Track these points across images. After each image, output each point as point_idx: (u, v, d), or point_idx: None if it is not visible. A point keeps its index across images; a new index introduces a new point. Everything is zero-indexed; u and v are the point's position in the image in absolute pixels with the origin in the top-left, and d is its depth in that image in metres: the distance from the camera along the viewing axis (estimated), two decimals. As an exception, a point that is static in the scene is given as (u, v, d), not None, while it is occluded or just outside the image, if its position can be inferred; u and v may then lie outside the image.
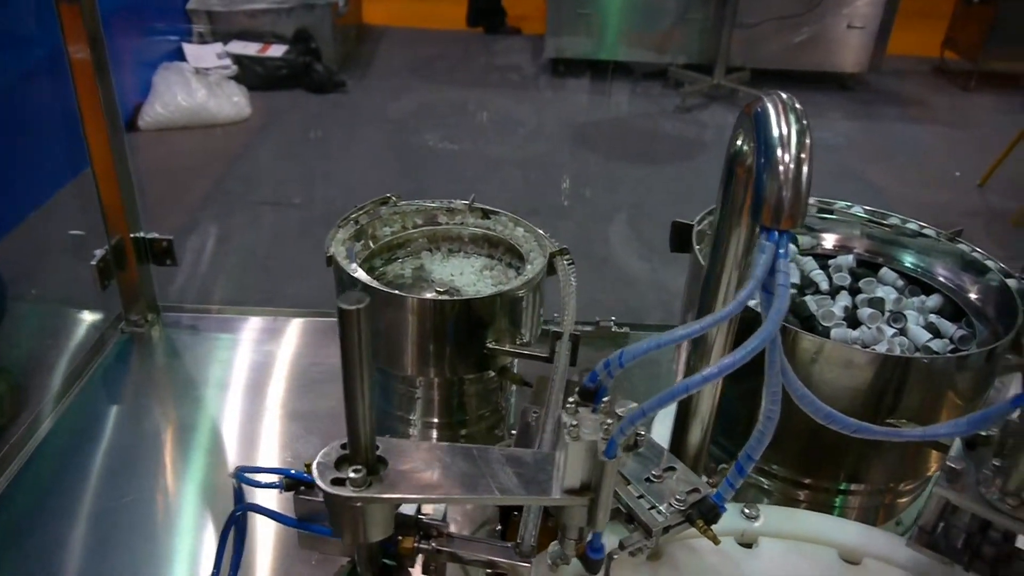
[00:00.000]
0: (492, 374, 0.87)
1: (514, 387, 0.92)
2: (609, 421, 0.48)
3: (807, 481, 0.81)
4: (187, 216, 2.65)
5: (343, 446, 0.51)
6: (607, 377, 0.50)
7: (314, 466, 0.50)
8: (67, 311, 1.12)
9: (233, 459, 0.91)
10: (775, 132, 0.47)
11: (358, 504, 0.49)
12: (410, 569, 0.59)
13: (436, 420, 0.88)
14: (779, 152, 0.46)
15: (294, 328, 1.14)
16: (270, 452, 0.93)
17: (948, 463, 0.55)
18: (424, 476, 0.50)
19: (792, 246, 0.93)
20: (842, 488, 0.81)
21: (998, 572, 0.55)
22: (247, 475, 0.60)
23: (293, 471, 0.58)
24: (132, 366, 1.08)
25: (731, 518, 0.64)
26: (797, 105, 0.48)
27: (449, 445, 0.53)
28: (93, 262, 1.05)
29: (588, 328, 1.19)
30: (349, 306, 0.43)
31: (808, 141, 0.47)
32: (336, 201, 2.48)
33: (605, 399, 0.51)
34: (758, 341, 0.44)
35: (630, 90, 4.39)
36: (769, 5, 4.26)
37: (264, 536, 0.81)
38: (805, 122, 0.47)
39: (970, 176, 3.32)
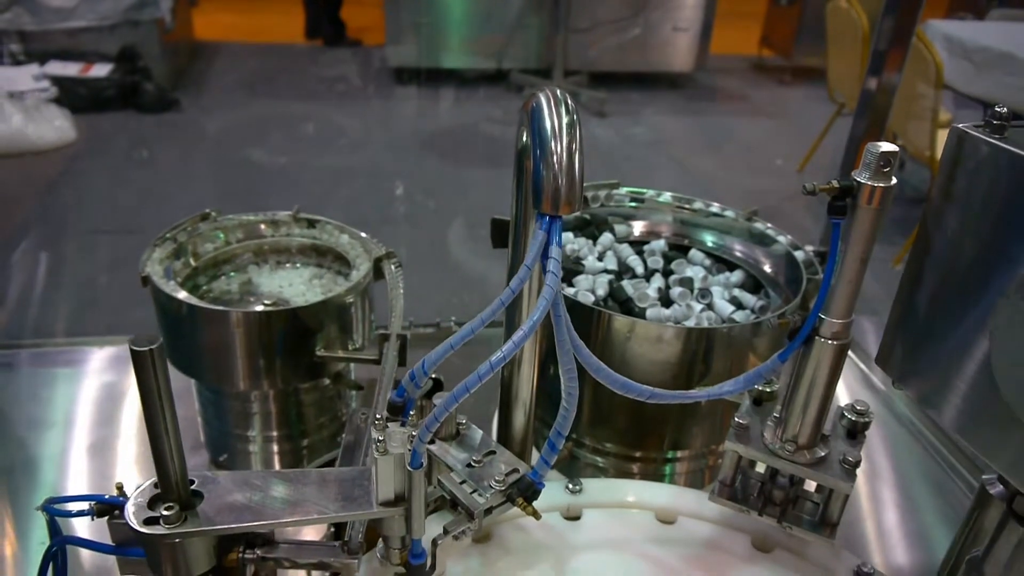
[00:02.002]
0: (327, 382, 0.88)
1: (353, 392, 0.93)
2: (415, 433, 0.50)
3: (637, 454, 0.86)
4: (5, 250, 2.47)
5: (155, 485, 0.50)
6: (414, 389, 0.52)
7: (127, 508, 0.49)
8: None
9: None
10: (547, 125, 0.50)
11: (176, 540, 0.48)
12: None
13: (275, 433, 0.88)
14: (552, 143, 0.50)
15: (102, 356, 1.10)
16: (89, 486, 0.89)
17: (736, 419, 0.61)
18: (241, 504, 0.50)
19: (609, 235, 0.99)
20: (669, 457, 0.86)
21: (786, 513, 0.61)
22: (56, 506, 0.57)
23: (106, 496, 0.56)
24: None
25: (557, 494, 0.67)
26: (568, 99, 0.52)
27: (266, 472, 0.54)
28: None
29: (429, 330, 1.21)
30: (142, 347, 0.43)
31: (578, 132, 0.50)
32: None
33: (412, 412, 0.53)
34: (529, 325, 0.47)
35: (473, 96, 4.46)
36: (598, 11, 4.44)
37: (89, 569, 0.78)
38: (576, 115, 0.51)
39: (791, 163, 3.59)
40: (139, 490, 0.50)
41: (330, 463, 0.87)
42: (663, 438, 0.84)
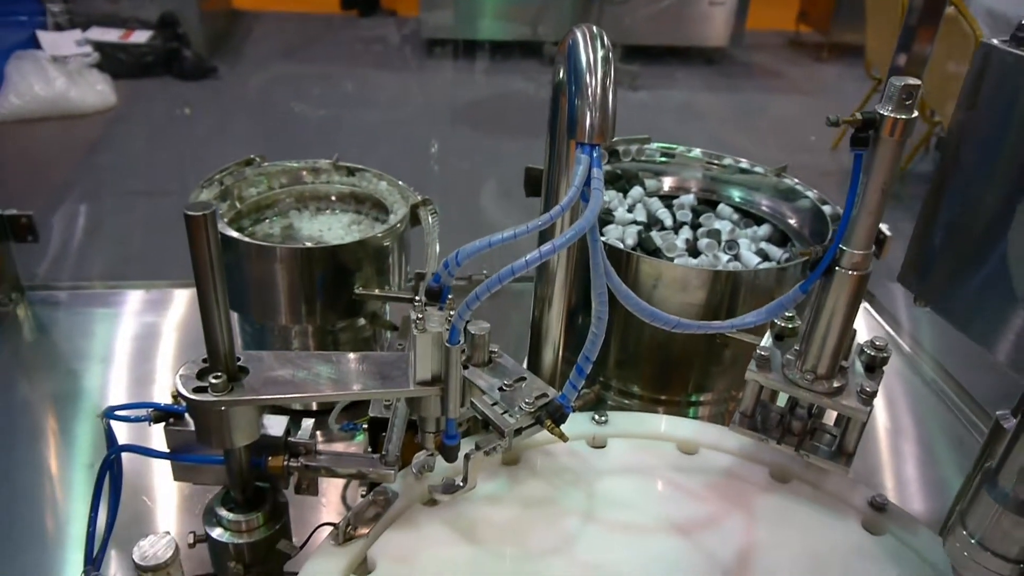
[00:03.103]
0: (363, 321, 0.91)
1: (387, 334, 0.96)
2: (452, 313, 0.53)
3: (663, 397, 0.89)
4: (50, 207, 2.54)
5: (204, 360, 0.53)
6: (448, 277, 0.55)
7: (176, 378, 0.52)
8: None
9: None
10: (583, 59, 0.53)
11: (221, 408, 0.52)
12: (283, 491, 0.63)
13: (312, 370, 0.91)
14: (587, 76, 0.52)
15: (180, 299, 1.14)
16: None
17: (758, 351, 0.63)
18: (284, 380, 0.54)
19: (639, 188, 1.01)
20: (692, 400, 0.89)
21: (803, 443, 0.64)
22: (116, 414, 0.61)
23: (162, 404, 0.60)
24: (-1, 345, 1.06)
25: (583, 424, 0.70)
26: (603, 35, 0.54)
27: (308, 352, 0.57)
28: (-53, 240, 1.02)
29: (462, 282, 1.24)
30: (196, 213, 0.46)
31: (612, 67, 0.53)
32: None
33: (450, 297, 0.56)
34: (574, 231, 0.49)
35: (507, 68, 4.46)
36: (635, -17, 4.42)
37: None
38: (609, 51, 0.54)
39: (825, 139, 3.56)
40: (188, 364, 0.53)
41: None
42: (687, 381, 0.86)
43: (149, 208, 2.60)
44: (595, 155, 0.52)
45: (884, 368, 0.63)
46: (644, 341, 0.84)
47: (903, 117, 0.50)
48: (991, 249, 0.51)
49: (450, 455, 0.59)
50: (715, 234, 0.92)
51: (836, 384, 0.61)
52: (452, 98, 4.02)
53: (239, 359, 0.55)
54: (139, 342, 1.05)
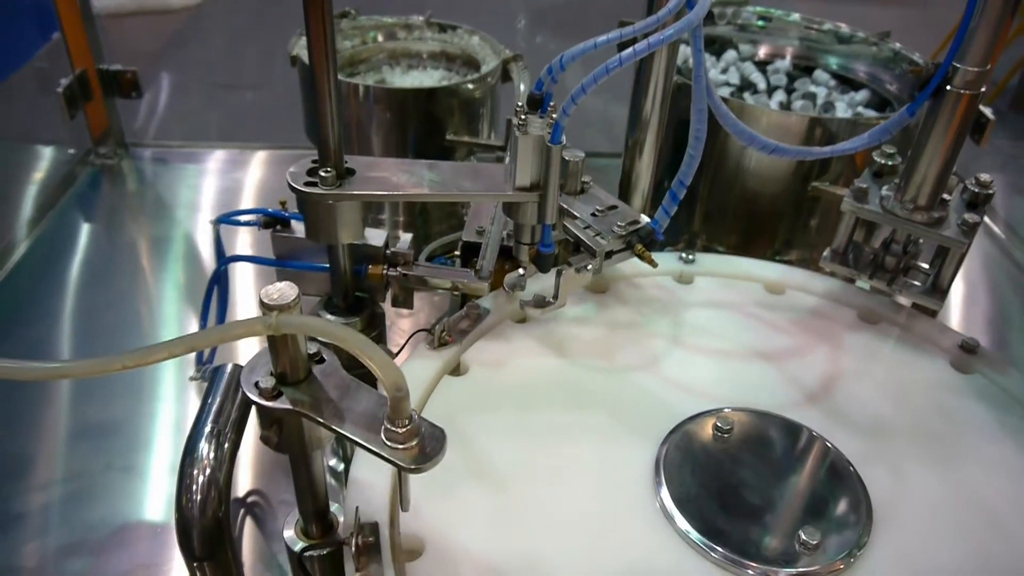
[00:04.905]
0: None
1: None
2: (554, 116, 0.54)
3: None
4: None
5: (313, 160, 0.56)
6: (551, 83, 0.55)
7: (288, 175, 0.55)
8: (36, 148, 1.14)
9: (208, 261, 0.95)
10: None
11: (330, 202, 0.54)
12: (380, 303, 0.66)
13: (401, 218, 0.94)
14: None
15: (260, 158, 1.18)
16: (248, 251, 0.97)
17: (856, 184, 0.62)
18: (390, 181, 0.56)
19: (733, 51, 0.99)
20: (777, 260, 0.88)
21: (896, 279, 0.63)
22: (228, 219, 0.65)
23: (270, 209, 0.63)
24: (104, 193, 1.11)
25: (670, 262, 0.71)
26: None
27: (413, 160, 0.59)
28: (59, 89, 1.07)
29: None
30: None
31: None
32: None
33: (551, 104, 0.56)
34: (678, 27, 0.49)
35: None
36: None
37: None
38: None
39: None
40: (298, 163, 0.56)
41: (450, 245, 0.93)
42: (775, 239, 0.86)
43: (233, 97, 2.64)
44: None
45: (987, 207, 0.62)
46: (734, 194, 0.84)
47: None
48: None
49: (544, 264, 0.60)
50: (810, 96, 0.90)
51: (936, 215, 0.60)
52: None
53: (346, 162, 0.57)
54: (223, 195, 1.10)
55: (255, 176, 1.14)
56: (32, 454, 0.73)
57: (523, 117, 0.54)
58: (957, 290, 1.03)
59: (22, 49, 1.09)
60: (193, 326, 0.84)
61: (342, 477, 0.70)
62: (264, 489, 0.71)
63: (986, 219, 1.17)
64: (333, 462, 0.72)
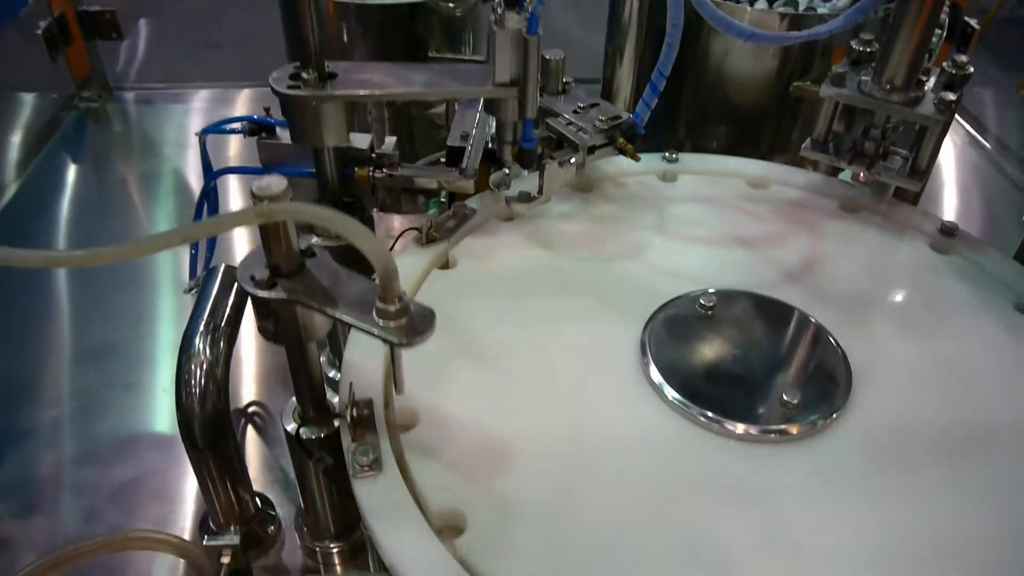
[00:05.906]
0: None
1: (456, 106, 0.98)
2: (529, 10, 0.54)
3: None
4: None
5: (295, 65, 0.56)
6: None
7: (270, 79, 0.55)
8: (19, 95, 1.14)
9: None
10: None
11: (314, 104, 0.55)
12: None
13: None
14: None
15: (245, 96, 1.18)
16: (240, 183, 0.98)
17: (835, 69, 0.63)
18: (372, 82, 0.56)
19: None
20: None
21: (875, 163, 0.64)
22: (214, 129, 0.65)
23: (256, 116, 0.64)
24: (90, 135, 1.11)
25: (654, 162, 0.72)
26: None
27: (394, 63, 0.59)
28: (38, 31, 1.07)
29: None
30: None
31: None
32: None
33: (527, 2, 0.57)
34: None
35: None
36: None
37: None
38: None
39: None
40: (280, 68, 0.56)
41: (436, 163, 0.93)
42: (759, 142, 0.86)
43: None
44: None
45: (964, 89, 0.63)
46: (717, 100, 0.84)
47: None
48: None
49: (528, 160, 0.61)
50: (792, 3, 0.90)
51: (913, 95, 0.60)
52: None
53: (328, 67, 0.57)
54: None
55: (241, 113, 1.14)
56: (36, 376, 0.74)
57: (500, 12, 0.54)
58: (950, 203, 1.05)
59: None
60: (186, 252, 0.85)
61: (337, 385, 0.72)
62: (265, 400, 0.73)
63: (976, 134, 1.18)
64: (332, 373, 0.73)
